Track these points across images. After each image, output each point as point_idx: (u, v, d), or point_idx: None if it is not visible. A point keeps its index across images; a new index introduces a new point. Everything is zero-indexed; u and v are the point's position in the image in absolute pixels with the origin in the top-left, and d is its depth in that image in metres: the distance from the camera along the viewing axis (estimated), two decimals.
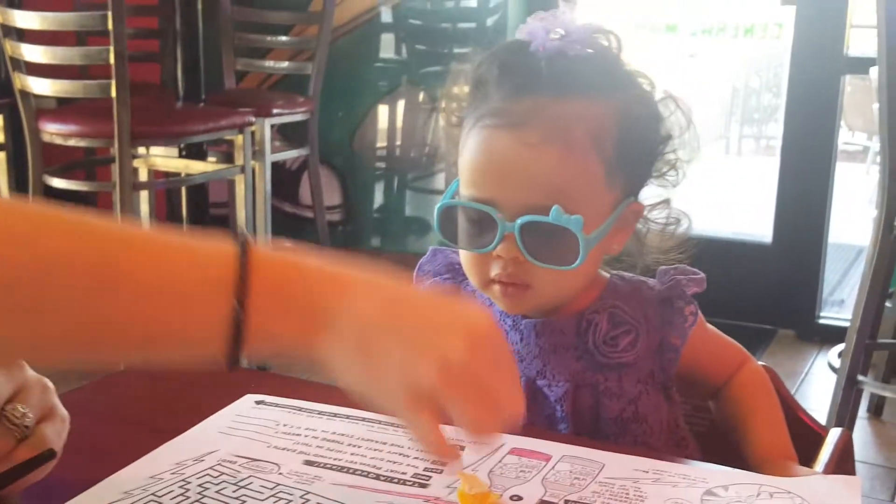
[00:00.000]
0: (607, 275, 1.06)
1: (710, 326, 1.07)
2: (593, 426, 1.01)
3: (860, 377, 2.53)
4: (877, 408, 2.89)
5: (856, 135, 6.51)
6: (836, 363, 2.68)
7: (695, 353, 1.04)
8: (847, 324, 2.60)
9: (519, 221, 0.94)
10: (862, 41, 3.73)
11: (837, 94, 3.36)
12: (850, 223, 4.64)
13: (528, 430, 0.91)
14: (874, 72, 2.45)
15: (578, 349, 1.02)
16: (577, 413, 1.01)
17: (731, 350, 1.09)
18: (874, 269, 2.45)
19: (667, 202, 1.05)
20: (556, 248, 0.95)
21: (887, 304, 2.73)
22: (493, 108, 0.98)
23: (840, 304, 3.85)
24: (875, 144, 6.12)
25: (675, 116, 1.02)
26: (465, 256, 1.01)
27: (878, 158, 2.41)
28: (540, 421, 1.01)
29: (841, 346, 2.67)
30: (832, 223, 3.49)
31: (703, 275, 1.06)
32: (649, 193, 1.05)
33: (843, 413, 2.52)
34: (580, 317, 1.02)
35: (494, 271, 0.98)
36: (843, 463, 0.98)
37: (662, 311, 1.04)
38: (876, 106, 2.43)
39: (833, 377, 2.66)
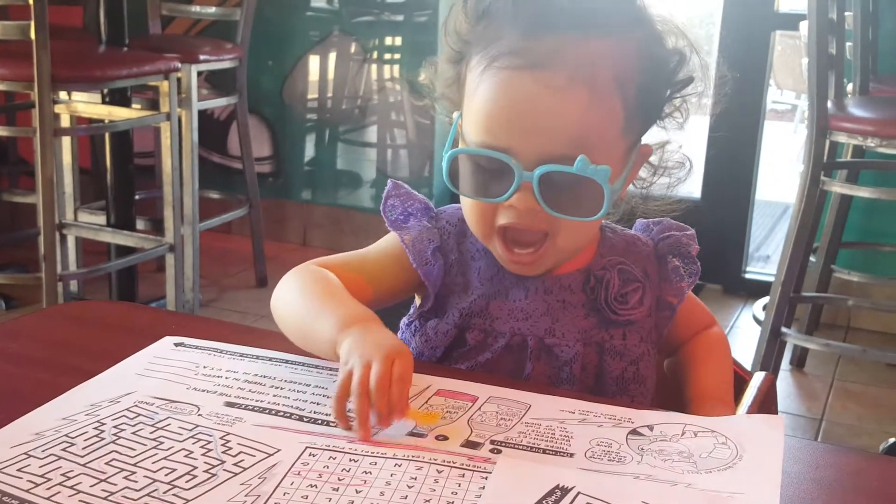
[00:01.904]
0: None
1: None
2: (595, 386, 0.99)
3: (784, 329, 2.58)
4: (799, 360, 2.95)
5: (784, 94, 6.58)
6: (761, 316, 2.72)
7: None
8: (772, 279, 2.63)
9: (538, 171, 0.88)
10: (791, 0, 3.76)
11: (767, 51, 3.39)
12: (777, 181, 4.71)
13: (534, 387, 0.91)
14: (804, 27, 2.46)
15: (586, 306, 0.99)
16: (582, 372, 0.98)
17: (702, 312, 1.09)
18: (800, 223, 2.48)
19: (665, 144, 1.01)
20: (577, 199, 0.90)
21: (811, 258, 2.78)
22: (511, 47, 0.90)
23: (765, 260, 3.91)
24: (802, 103, 6.21)
25: (685, 50, 0.97)
26: (470, 204, 0.96)
27: (806, 115, 2.44)
28: (542, 381, 0.97)
29: (766, 300, 2.71)
30: (759, 180, 3.54)
31: (692, 230, 1.05)
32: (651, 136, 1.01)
33: (767, 365, 2.56)
34: (586, 273, 0.99)
35: (502, 220, 0.92)
36: (766, 405, 0.99)
37: (659, 267, 1.02)
38: (805, 61, 2.45)
39: (758, 330, 2.71)
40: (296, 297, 0.95)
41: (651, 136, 1.01)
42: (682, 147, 1.02)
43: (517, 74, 0.89)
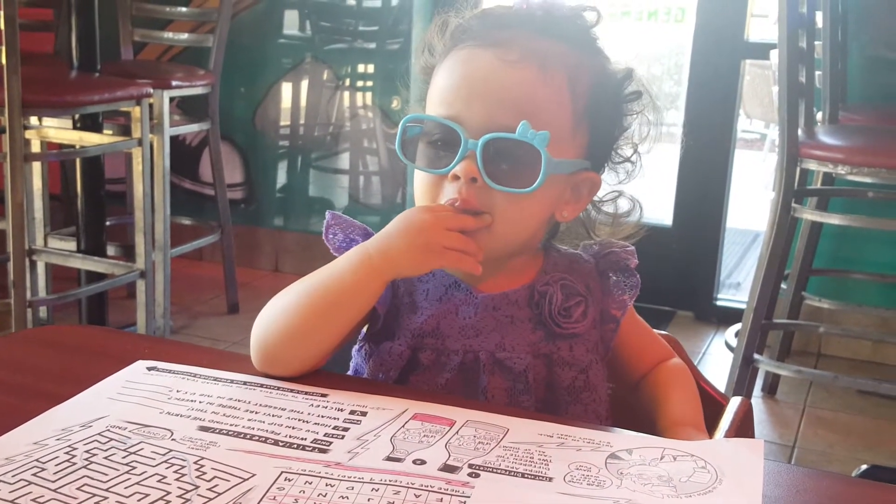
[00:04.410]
0: (540, 247, 1.07)
1: (639, 317, 1.10)
2: (548, 396, 1.01)
3: (756, 356, 2.59)
4: (771, 387, 2.96)
5: (753, 122, 6.65)
6: (733, 343, 2.73)
7: (624, 339, 1.06)
8: (743, 306, 2.64)
9: (483, 139, 0.93)
10: (760, 29, 3.81)
11: (737, 79, 3.42)
12: (747, 209, 4.75)
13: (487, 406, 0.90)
14: (774, 56, 2.49)
15: (533, 320, 1.01)
16: (534, 383, 1.00)
17: (658, 344, 1.12)
18: (771, 250, 2.50)
19: (619, 194, 1.07)
20: (517, 171, 0.94)
21: (782, 285, 2.80)
22: (474, 34, 0.99)
23: (737, 287, 3.93)
24: (771, 132, 6.27)
25: (643, 104, 1.04)
26: (418, 183, 0.99)
27: (776, 143, 2.46)
28: (500, 395, 0.99)
29: (737, 326, 2.72)
30: (730, 208, 3.56)
31: (632, 247, 1.08)
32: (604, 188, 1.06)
33: (740, 391, 2.57)
34: (531, 289, 1.02)
35: (447, 195, 0.96)
36: (743, 430, 0.98)
37: (602, 282, 1.06)
38: (775, 89, 2.48)
39: (730, 357, 2.72)
40: (292, 296, 0.96)
41: (604, 189, 1.07)
42: (631, 195, 1.09)
43: (475, 51, 0.98)
